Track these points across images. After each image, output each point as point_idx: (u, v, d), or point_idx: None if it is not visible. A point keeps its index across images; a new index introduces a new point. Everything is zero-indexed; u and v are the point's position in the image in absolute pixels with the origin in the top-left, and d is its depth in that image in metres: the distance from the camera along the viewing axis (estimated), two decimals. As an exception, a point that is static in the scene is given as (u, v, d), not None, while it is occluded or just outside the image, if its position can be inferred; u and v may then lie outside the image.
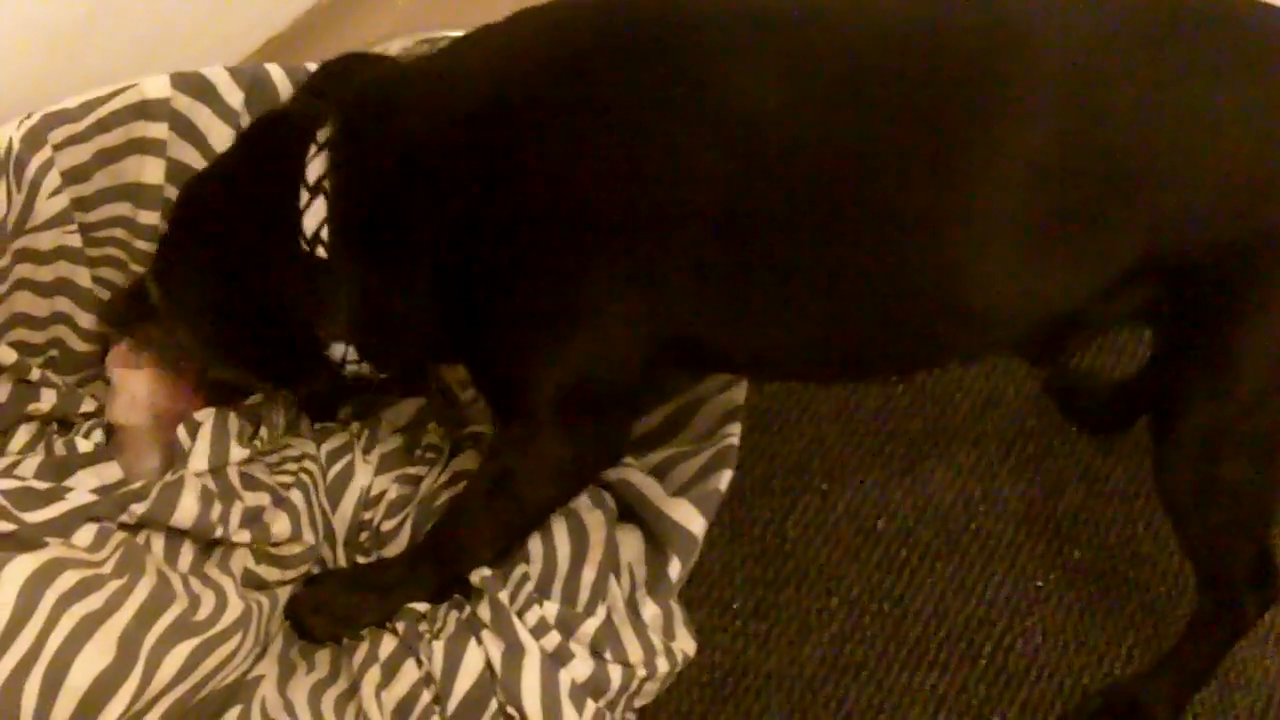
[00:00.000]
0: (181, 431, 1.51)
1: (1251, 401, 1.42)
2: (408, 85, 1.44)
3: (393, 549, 1.57)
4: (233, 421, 1.54)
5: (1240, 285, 1.38)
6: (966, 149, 1.33)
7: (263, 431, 1.57)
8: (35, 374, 1.56)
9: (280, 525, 1.50)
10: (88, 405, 1.60)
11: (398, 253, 1.41)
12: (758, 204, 1.34)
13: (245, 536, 1.48)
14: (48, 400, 1.56)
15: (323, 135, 1.42)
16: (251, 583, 1.50)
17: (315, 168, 1.40)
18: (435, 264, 1.40)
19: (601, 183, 1.35)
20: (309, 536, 1.54)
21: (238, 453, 1.52)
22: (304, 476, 1.57)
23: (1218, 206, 1.35)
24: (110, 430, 1.58)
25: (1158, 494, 1.54)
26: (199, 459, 1.50)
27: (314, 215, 1.40)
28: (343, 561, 1.59)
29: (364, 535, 1.59)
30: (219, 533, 1.47)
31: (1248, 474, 1.46)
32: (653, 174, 1.34)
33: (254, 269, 1.46)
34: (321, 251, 1.41)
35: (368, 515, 1.59)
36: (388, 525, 1.58)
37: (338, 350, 1.48)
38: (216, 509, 1.47)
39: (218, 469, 1.51)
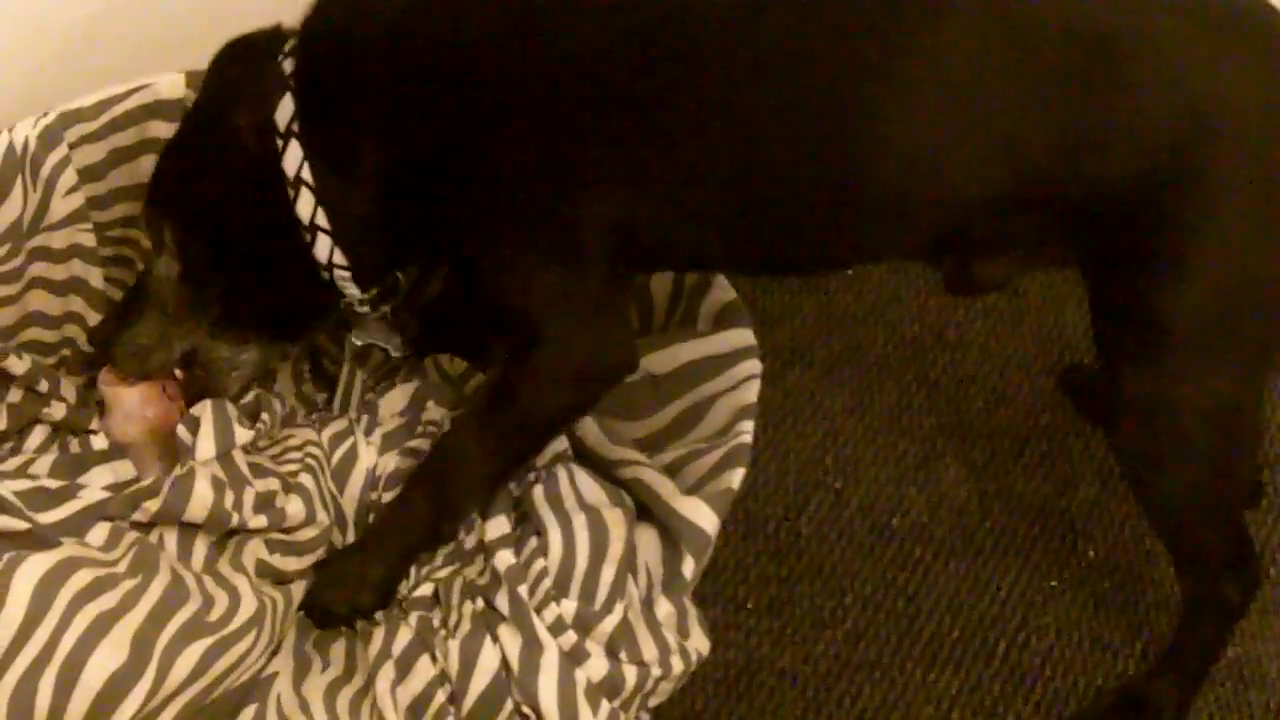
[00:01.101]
0: (182, 429, 1.51)
1: (1187, 364, 1.40)
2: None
3: None
4: (231, 409, 1.54)
5: (1155, 235, 1.36)
6: (888, 41, 1.35)
7: (264, 416, 1.57)
8: (44, 385, 1.56)
9: (294, 507, 1.51)
10: (95, 424, 1.59)
11: (380, 145, 1.43)
12: (680, 99, 1.38)
13: (262, 521, 1.48)
14: (58, 410, 1.57)
15: (289, 46, 1.44)
16: (266, 574, 1.50)
17: (286, 65, 1.43)
18: (400, 164, 1.43)
19: (544, 88, 1.39)
20: (323, 517, 1.54)
21: (243, 434, 1.52)
22: (310, 460, 1.58)
23: (1124, 142, 1.34)
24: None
25: (1119, 466, 1.52)
26: (205, 446, 1.50)
27: (284, 110, 1.42)
28: (352, 536, 1.59)
29: (373, 517, 1.59)
30: (235, 520, 1.46)
31: (1199, 439, 1.43)
32: (583, 77, 1.38)
33: (237, 184, 1.46)
34: (295, 146, 1.42)
35: (374, 495, 1.59)
36: (389, 497, 1.58)
37: (323, 247, 1.46)
38: (229, 496, 1.47)
39: (225, 454, 1.51)
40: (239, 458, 1.52)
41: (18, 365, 1.53)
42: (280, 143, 1.42)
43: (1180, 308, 1.38)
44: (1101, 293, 1.44)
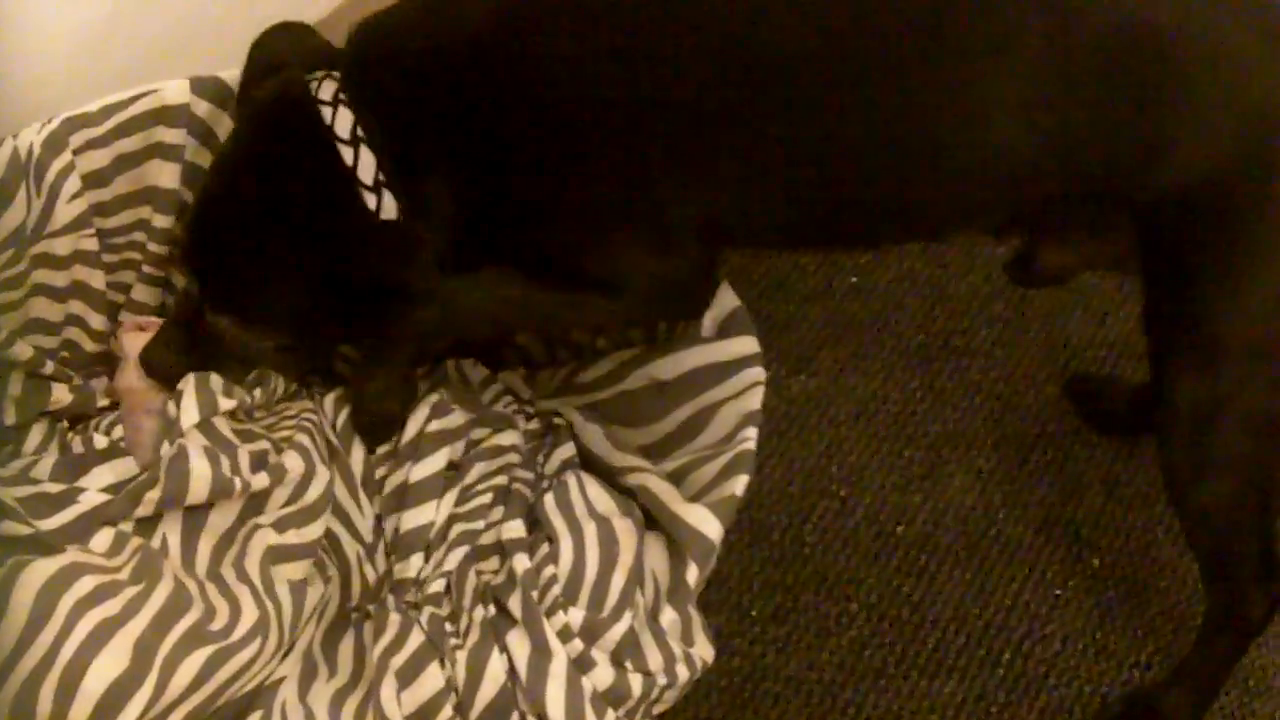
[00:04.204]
0: (170, 405, 1.50)
1: (1242, 370, 1.39)
2: (402, 24, 1.46)
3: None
4: (215, 380, 1.53)
5: (1217, 241, 1.36)
6: (950, 40, 1.35)
7: (257, 392, 1.57)
8: (49, 367, 1.56)
9: (293, 461, 1.50)
10: (102, 400, 1.59)
11: (450, 174, 1.44)
12: (757, 103, 1.38)
13: (264, 480, 1.46)
14: (61, 395, 1.57)
15: (327, 92, 1.43)
16: (283, 559, 1.48)
17: (343, 122, 1.42)
18: (481, 172, 1.43)
19: (609, 82, 1.38)
20: (323, 471, 1.53)
21: (225, 402, 1.51)
22: (305, 423, 1.58)
23: (1185, 147, 1.33)
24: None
25: (1160, 472, 1.52)
26: (189, 414, 1.48)
27: (366, 166, 1.42)
28: (367, 506, 1.58)
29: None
30: (238, 485, 1.44)
31: (1245, 450, 1.44)
32: (652, 69, 1.38)
33: (331, 248, 1.45)
34: (389, 198, 1.43)
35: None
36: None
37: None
38: (225, 462, 1.45)
39: (206, 421, 1.49)
40: (222, 425, 1.51)
41: (22, 352, 1.53)
42: (373, 198, 1.43)
43: (1239, 317, 1.37)
44: (1159, 298, 1.44)
